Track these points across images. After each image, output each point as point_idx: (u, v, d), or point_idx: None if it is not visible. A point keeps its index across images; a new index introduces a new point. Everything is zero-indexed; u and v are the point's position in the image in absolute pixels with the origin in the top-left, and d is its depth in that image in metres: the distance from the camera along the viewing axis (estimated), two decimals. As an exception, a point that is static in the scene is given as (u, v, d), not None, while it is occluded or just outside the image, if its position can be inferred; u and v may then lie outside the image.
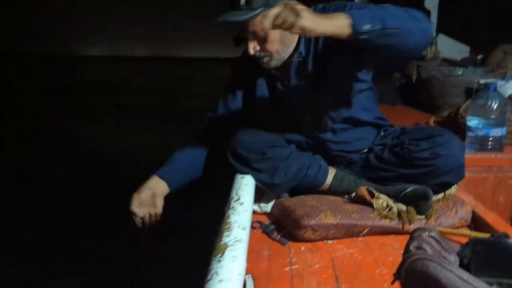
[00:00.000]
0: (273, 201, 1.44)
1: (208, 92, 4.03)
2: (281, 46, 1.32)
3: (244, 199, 1.15)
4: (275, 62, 1.35)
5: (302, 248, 1.21)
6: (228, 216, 1.04)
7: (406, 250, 0.78)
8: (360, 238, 1.25)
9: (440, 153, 1.27)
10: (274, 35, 1.29)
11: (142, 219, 1.33)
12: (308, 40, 1.36)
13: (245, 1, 1.20)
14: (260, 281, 1.03)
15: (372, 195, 1.31)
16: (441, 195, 1.35)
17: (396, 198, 1.30)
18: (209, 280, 0.76)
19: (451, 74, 2.59)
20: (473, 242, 0.83)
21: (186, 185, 1.44)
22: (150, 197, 1.34)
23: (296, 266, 1.11)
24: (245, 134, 1.36)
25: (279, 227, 1.32)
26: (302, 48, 1.36)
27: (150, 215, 1.33)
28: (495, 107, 1.83)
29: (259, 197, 1.41)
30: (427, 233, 0.80)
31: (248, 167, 1.33)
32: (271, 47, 1.31)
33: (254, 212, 1.33)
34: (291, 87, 1.40)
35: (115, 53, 10.43)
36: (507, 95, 2.19)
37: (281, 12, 1.03)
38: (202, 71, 8.42)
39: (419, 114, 2.62)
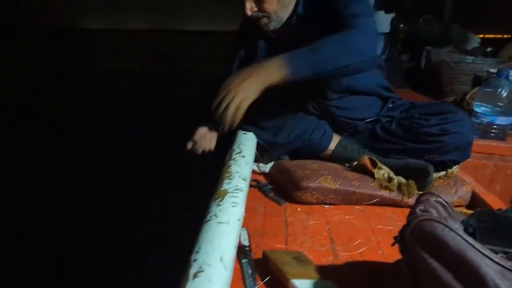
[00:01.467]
0: (272, 162, 1.41)
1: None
2: (278, 6, 1.27)
3: (246, 153, 1.13)
4: (274, 24, 1.30)
5: (299, 209, 1.19)
6: (230, 165, 1.01)
7: (412, 212, 0.76)
8: (357, 207, 1.23)
9: (450, 130, 1.24)
10: None
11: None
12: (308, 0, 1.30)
13: None
14: (255, 235, 1.01)
15: (374, 165, 1.28)
16: (443, 173, 1.33)
17: (398, 171, 1.28)
18: (207, 221, 0.73)
19: (462, 60, 2.55)
20: (479, 213, 0.81)
21: None
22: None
23: (292, 225, 1.09)
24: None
25: (276, 188, 1.30)
26: (300, 8, 1.30)
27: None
28: (504, 95, 1.81)
29: (258, 157, 1.38)
30: (435, 198, 0.78)
31: (252, 124, 1.30)
32: (269, 7, 1.26)
33: (252, 172, 1.31)
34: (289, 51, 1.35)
35: (112, 26, 9.74)
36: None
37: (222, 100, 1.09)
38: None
39: (424, 99, 2.59)
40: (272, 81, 1.11)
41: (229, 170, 0.98)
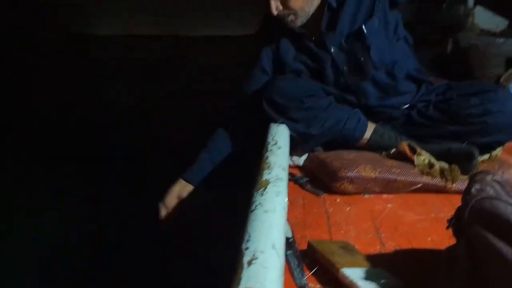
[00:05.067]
0: (306, 154, 1.38)
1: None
2: (305, 2, 1.25)
3: (282, 144, 1.10)
4: (300, 20, 1.28)
5: (338, 200, 1.16)
6: (267, 157, 0.99)
7: (467, 192, 0.72)
8: (399, 194, 1.19)
9: (492, 110, 1.18)
10: None
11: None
12: None
13: None
14: (297, 227, 0.99)
15: (413, 152, 1.24)
16: (486, 156, 1.27)
17: (439, 156, 1.23)
18: (253, 210, 0.71)
19: (492, 43, 2.46)
20: (539, 191, 0.76)
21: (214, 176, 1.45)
22: (177, 204, 1.38)
23: (333, 216, 1.07)
24: (283, 81, 1.30)
25: (313, 180, 1.27)
26: (333, 1, 1.29)
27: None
28: (543, 73, 1.73)
29: (291, 150, 1.35)
30: (491, 176, 0.74)
31: (284, 116, 1.27)
32: (295, 3, 1.24)
33: (287, 164, 1.28)
34: (324, 42, 1.33)
35: (122, 32, 9.39)
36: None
37: None
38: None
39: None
40: None
41: (268, 161, 0.95)
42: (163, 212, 1.37)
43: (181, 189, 1.39)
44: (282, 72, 1.38)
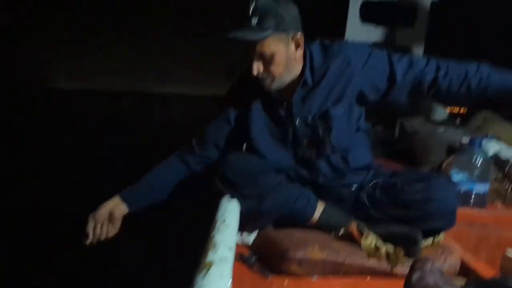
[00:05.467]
0: (256, 232, 1.36)
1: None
2: (285, 70, 1.33)
3: (230, 222, 1.09)
4: (275, 85, 1.35)
5: (286, 282, 1.13)
6: (213, 236, 0.96)
7: (408, 281, 0.73)
8: (347, 277, 1.18)
9: (434, 197, 1.24)
10: (280, 58, 1.30)
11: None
12: (314, 70, 1.37)
13: (256, 22, 1.21)
14: (241, 311, 0.94)
15: (361, 234, 1.26)
16: (429, 240, 1.31)
17: (386, 238, 1.25)
18: (193, 294, 0.67)
19: (435, 132, 2.64)
20: (476, 280, 0.78)
21: (152, 207, 1.43)
22: (107, 218, 1.34)
23: (280, 300, 1.03)
24: (236, 158, 1.31)
25: (261, 260, 1.24)
26: (307, 76, 1.36)
27: (102, 234, 1.34)
28: (479, 162, 1.86)
29: (241, 227, 1.33)
30: (431, 264, 0.76)
31: (236, 192, 1.27)
32: (275, 69, 1.31)
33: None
34: (292, 111, 1.38)
35: (91, 87, 9.18)
36: (489, 154, 2.23)
37: None
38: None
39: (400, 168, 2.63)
40: None
41: (213, 240, 0.93)
42: (89, 225, 1.31)
43: (114, 205, 1.34)
44: (246, 128, 1.41)
